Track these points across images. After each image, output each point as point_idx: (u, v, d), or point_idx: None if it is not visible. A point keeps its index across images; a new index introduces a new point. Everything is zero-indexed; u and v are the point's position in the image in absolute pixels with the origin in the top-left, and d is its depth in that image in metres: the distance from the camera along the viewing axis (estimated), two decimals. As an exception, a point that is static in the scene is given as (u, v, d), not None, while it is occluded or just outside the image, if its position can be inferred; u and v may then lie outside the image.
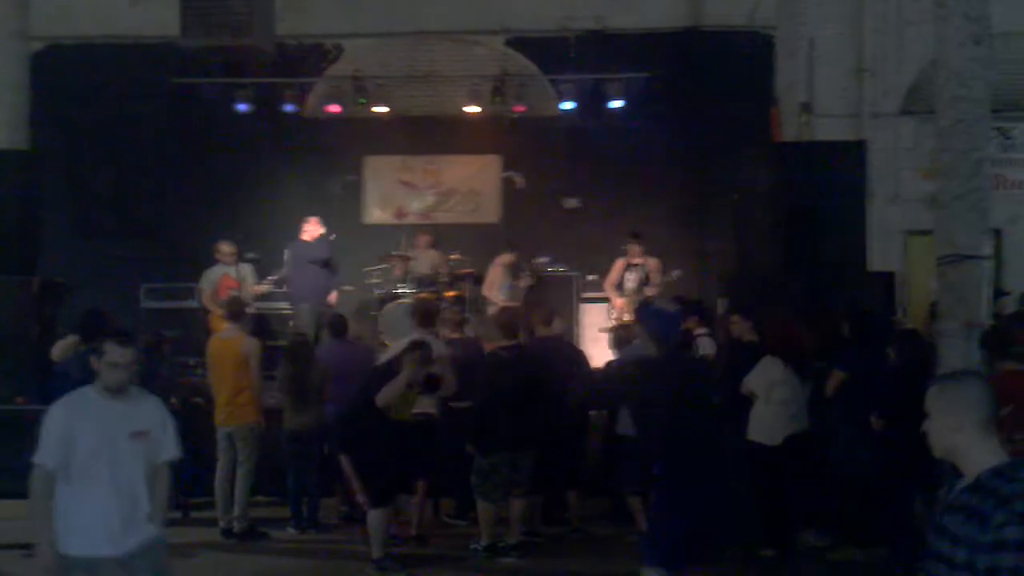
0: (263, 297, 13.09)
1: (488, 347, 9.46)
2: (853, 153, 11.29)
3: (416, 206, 15.16)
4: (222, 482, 9.23)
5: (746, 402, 8.37)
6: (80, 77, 14.59)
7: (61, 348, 9.87)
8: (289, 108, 14.48)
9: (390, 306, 12.24)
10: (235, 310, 9.77)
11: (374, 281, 13.13)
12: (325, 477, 9.47)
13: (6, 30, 13.53)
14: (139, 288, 13.21)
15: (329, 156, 14.71)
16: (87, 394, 4.96)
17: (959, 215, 8.91)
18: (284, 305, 13.40)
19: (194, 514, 9.99)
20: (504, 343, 8.85)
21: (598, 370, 9.74)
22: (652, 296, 12.14)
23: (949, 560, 2.97)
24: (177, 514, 9.91)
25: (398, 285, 12.67)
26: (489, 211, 15.07)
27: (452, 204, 15.15)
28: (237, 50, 13.51)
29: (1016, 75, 13.79)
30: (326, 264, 12.67)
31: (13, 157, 12.84)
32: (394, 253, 12.96)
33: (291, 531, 9.39)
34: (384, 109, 14.68)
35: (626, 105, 14.16)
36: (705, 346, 9.53)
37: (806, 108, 13.24)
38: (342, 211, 14.65)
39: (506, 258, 12.93)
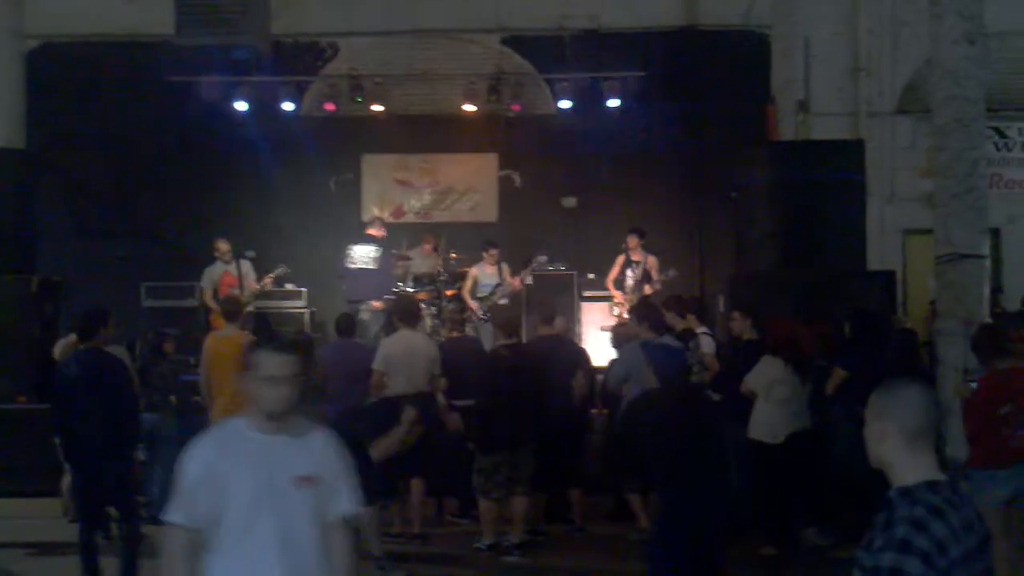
0: (263, 295, 13.08)
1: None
2: (852, 152, 11.32)
3: (413, 205, 15.17)
4: None
5: (747, 400, 8.40)
6: (76, 75, 14.59)
7: (62, 347, 9.85)
8: (286, 106, 14.47)
9: None
10: (232, 309, 9.69)
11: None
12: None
13: (1, 29, 13.50)
14: (139, 287, 13.20)
15: (326, 154, 14.73)
16: (236, 427, 3.76)
17: (957, 214, 8.99)
18: (284, 304, 13.41)
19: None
20: (505, 342, 8.88)
21: (600, 369, 9.75)
22: (652, 293, 12.21)
23: None
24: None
25: (397, 283, 12.68)
26: (487, 210, 15.10)
27: (449, 203, 15.17)
28: (233, 48, 13.51)
29: (1011, 74, 13.88)
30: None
31: (9, 156, 12.82)
32: (394, 252, 12.97)
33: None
34: (381, 108, 14.68)
35: (622, 104, 14.17)
36: (705, 345, 9.57)
37: (802, 107, 13.29)
38: (340, 210, 14.67)
39: (491, 256, 12.92)
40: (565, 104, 14.38)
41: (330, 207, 14.72)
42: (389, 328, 10.14)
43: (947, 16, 9.12)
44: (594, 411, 9.78)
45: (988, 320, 8.57)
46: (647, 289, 12.39)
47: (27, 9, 14.12)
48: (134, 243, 14.11)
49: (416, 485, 8.79)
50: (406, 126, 14.89)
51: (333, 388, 9.36)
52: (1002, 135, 14.05)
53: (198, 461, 3.69)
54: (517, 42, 15.01)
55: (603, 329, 12.28)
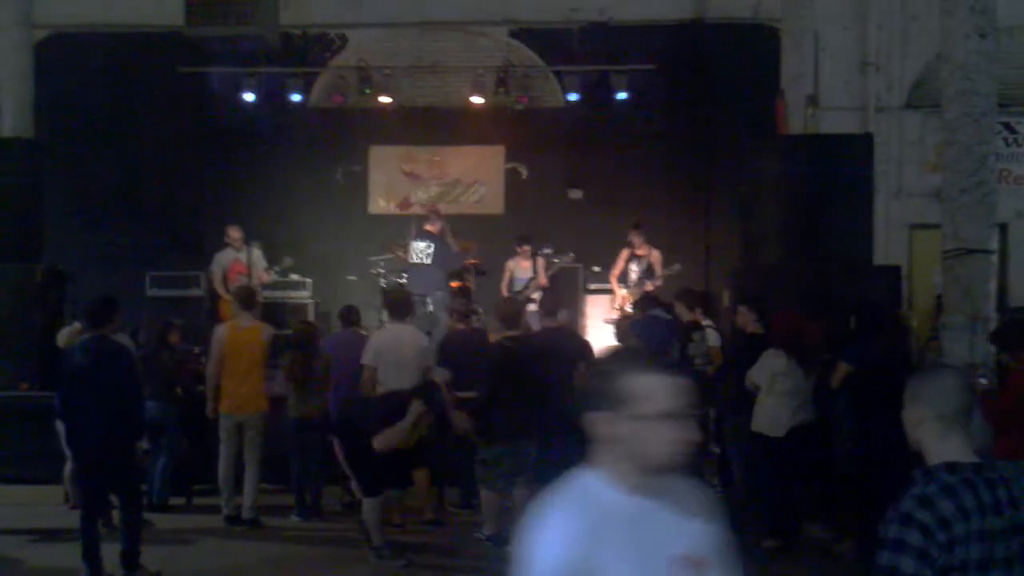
0: (271, 285, 13.14)
1: (492, 337, 9.46)
2: (860, 146, 11.27)
3: (420, 196, 15.16)
4: (227, 470, 9.19)
5: (751, 393, 8.37)
6: (84, 65, 14.61)
7: (66, 335, 9.89)
8: (294, 98, 14.48)
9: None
10: (247, 298, 9.58)
11: (379, 271, 13.14)
12: (328, 465, 9.49)
13: (10, 18, 13.52)
14: (144, 276, 13.22)
15: (334, 146, 14.74)
16: (594, 489, 2.59)
17: (965, 209, 8.95)
18: (289, 294, 13.43)
19: (196, 501, 10.02)
20: (508, 333, 8.86)
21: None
22: (653, 289, 12.18)
23: None
24: (180, 500, 9.96)
25: (402, 274, 12.67)
26: (493, 202, 15.08)
27: (456, 195, 15.15)
28: (242, 39, 13.51)
29: (1021, 69, 13.81)
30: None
31: (18, 145, 12.83)
32: (399, 243, 12.96)
33: (295, 519, 9.39)
34: (388, 99, 14.69)
35: (630, 97, 14.15)
36: (710, 338, 9.54)
37: (811, 101, 13.25)
38: (347, 201, 14.67)
39: (524, 251, 13.01)
40: (573, 97, 14.37)
41: (337, 198, 14.73)
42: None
43: (959, 11, 9.08)
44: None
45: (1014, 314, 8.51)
46: (649, 285, 12.39)
47: (37, -1, 14.16)
48: (140, 232, 14.14)
49: (422, 475, 8.80)
50: (414, 118, 14.89)
51: (335, 378, 9.39)
52: (1011, 130, 13.98)
53: (559, 544, 2.48)
54: (525, 34, 14.99)
55: (607, 322, 12.26)
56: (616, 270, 12.89)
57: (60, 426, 8.50)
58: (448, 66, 15.06)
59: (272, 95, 14.44)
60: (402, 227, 13.46)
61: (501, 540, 8.38)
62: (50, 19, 14.51)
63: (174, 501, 9.86)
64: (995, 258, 9.05)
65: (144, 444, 8.48)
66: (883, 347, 8.09)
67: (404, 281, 12.50)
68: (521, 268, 13.05)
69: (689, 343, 9.24)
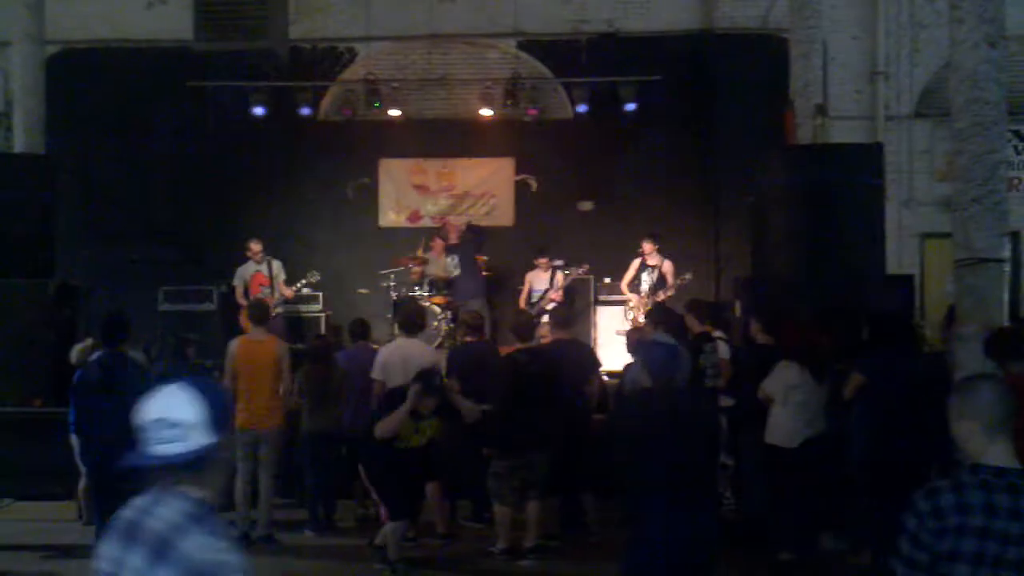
0: (292, 300, 13.20)
1: (504, 350, 9.47)
2: (870, 155, 11.26)
3: (430, 209, 15.18)
4: (244, 487, 9.01)
5: (764, 405, 8.35)
6: (95, 81, 14.71)
7: (79, 351, 9.90)
8: (304, 111, 14.54)
9: None
10: (260, 313, 9.49)
11: (389, 284, 13.16)
12: (342, 479, 9.49)
13: (21, 34, 13.56)
14: (156, 291, 13.25)
15: (343, 159, 14.79)
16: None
17: (976, 218, 8.89)
18: (300, 307, 13.48)
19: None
20: (520, 346, 8.87)
21: (613, 373, 9.73)
22: (666, 299, 12.19)
23: None
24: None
25: (414, 288, 12.70)
26: (503, 214, 15.10)
27: (466, 207, 15.17)
28: (251, 54, 13.57)
29: (1032, 77, 13.78)
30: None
31: (29, 161, 12.88)
32: (409, 256, 12.98)
33: (308, 534, 9.37)
34: (398, 112, 14.74)
35: (639, 108, 14.17)
36: (721, 350, 9.52)
37: (820, 111, 13.23)
38: (357, 214, 14.71)
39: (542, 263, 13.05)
40: (582, 108, 14.39)
41: (347, 211, 14.76)
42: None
43: (968, 19, 9.03)
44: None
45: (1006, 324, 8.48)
46: (661, 295, 12.39)
47: (48, 15, 14.16)
48: (152, 247, 14.19)
49: (433, 488, 8.80)
50: (423, 131, 14.93)
51: (348, 392, 9.40)
52: (1022, 138, 13.97)
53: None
54: (534, 47, 15.03)
55: (619, 333, 12.26)
56: (627, 278, 12.90)
57: (75, 441, 8.51)
58: (457, 79, 15.10)
59: (282, 109, 14.49)
60: (412, 240, 13.49)
61: (516, 554, 8.39)
62: (61, 35, 14.58)
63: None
64: (1007, 267, 9.01)
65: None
66: (896, 357, 8.08)
67: (417, 295, 12.54)
68: (539, 279, 13.08)
69: (701, 354, 9.22)
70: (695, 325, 9.57)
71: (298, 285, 13.00)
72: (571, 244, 13.90)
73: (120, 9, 14.84)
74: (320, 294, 13.65)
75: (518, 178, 14.87)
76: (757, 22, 14.39)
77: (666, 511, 5.15)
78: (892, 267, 12.28)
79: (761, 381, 8.35)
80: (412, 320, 9.29)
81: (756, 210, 11.26)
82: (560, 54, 14.95)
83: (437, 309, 12.80)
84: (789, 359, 8.27)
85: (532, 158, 14.79)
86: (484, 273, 13.23)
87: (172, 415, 2.79)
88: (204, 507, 2.81)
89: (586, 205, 14.79)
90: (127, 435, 7.37)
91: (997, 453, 3.25)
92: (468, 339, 10.10)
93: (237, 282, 13.06)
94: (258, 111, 14.40)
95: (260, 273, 12.96)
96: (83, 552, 7.77)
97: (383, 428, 7.70)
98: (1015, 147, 13.64)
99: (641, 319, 11.62)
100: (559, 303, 12.60)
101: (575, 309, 12.75)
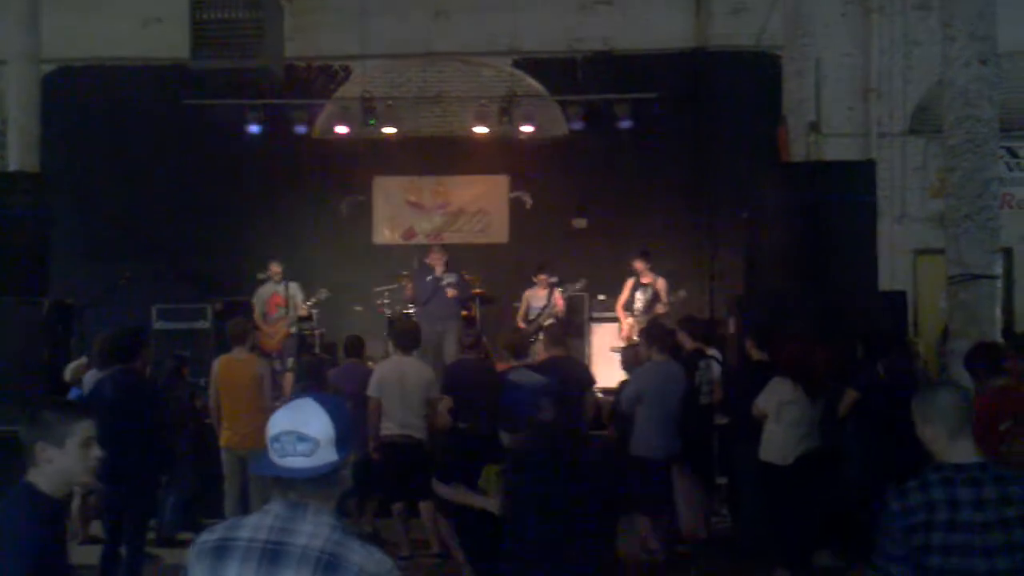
0: (307, 319, 13.22)
1: (500, 366, 9.46)
2: (863, 172, 11.31)
3: (425, 226, 15.20)
4: (233, 507, 8.97)
5: (758, 422, 8.36)
6: (90, 99, 14.73)
7: (73, 369, 9.88)
8: (299, 129, 14.57)
9: None
10: (238, 332, 9.40)
11: (383, 301, 13.16)
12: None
13: (16, 53, 13.57)
14: (150, 309, 13.23)
15: (338, 177, 14.83)
16: None
17: (968, 234, 8.94)
18: (304, 326, 13.46)
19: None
20: (515, 363, 8.85)
21: (609, 390, 9.73)
22: (663, 313, 12.22)
23: None
24: (189, 535, 9.92)
25: (408, 305, 12.69)
26: (498, 231, 15.12)
27: (460, 224, 15.20)
28: (247, 72, 13.58)
29: (1023, 95, 13.85)
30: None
31: (24, 179, 12.87)
32: (403, 273, 12.99)
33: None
34: (393, 130, 14.76)
35: (634, 125, 14.22)
36: (713, 369, 9.53)
37: (814, 128, 13.27)
38: (352, 231, 14.72)
39: (541, 280, 13.05)
40: (577, 126, 14.43)
41: (342, 229, 14.77)
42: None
43: (960, 37, 9.09)
44: (603, 432, 9.75)
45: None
46: (657, 310, 12.41)
47: (43, 33, 14.21)
48: (146, 265, 14.15)
49: (425, 507, 8.78)
50: (418, 148, 14.95)
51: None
52: (1014, 155, 14.03)
53: None
54: (529, 64, 15.08)
55: (613, 350, 12.26)
56: (622, 299, 12.91)
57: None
58: (452, 96, 15.15)
59: (277, 127, 14.52)
60: (407, 257, 13.49)
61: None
62: (56, 53, 14.57)
63: (183, 535, 9.82)
64: (1000, 283, 9.04)
65: (164, 478, 8.50)
66: (890, 374, 8.10)
67: (411, 312, 12.53)
68: (538, 296, 13.07)
69: (696, 371, 9.23)
70: (687, 342, 9.58)
71: (308, 304, 13.06)
72: (565, 261, 13.91)
73: (116, 28, 14.84)
74: (314, 312, 13.64)
75: (512, 195, 14.91)
76: (751, 40, 14.44)
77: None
78: (885, 283, 12.31)
79: (755, 397, 8.36)
80: (407, 337, 9.28)
81: (750, 226, 11.29)
82: (555, 72, 15.00)
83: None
84: (782, 375, 8.29)
85: (527, 175, 14.82)
86: (478, 291, 13.16)
87: (302, 429, 2.80)
88: (342, 521, 2.79)
89: (580, 222, 14.82)
90: (136, 452, 7.40)
91: (959, 451, 3.59)
92: (464, 356, 10.09)
93: (255, 302, 13.07)
94: (253, 129, 14.42)
95: (277, 294, 12.98)
96: (80, 573, 7.76)
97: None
98: (1007, 163, 13.70)
99: (636, 337, 11.62)
100: (558, 319, 12.60)
101: (573, 325, 12.76)
